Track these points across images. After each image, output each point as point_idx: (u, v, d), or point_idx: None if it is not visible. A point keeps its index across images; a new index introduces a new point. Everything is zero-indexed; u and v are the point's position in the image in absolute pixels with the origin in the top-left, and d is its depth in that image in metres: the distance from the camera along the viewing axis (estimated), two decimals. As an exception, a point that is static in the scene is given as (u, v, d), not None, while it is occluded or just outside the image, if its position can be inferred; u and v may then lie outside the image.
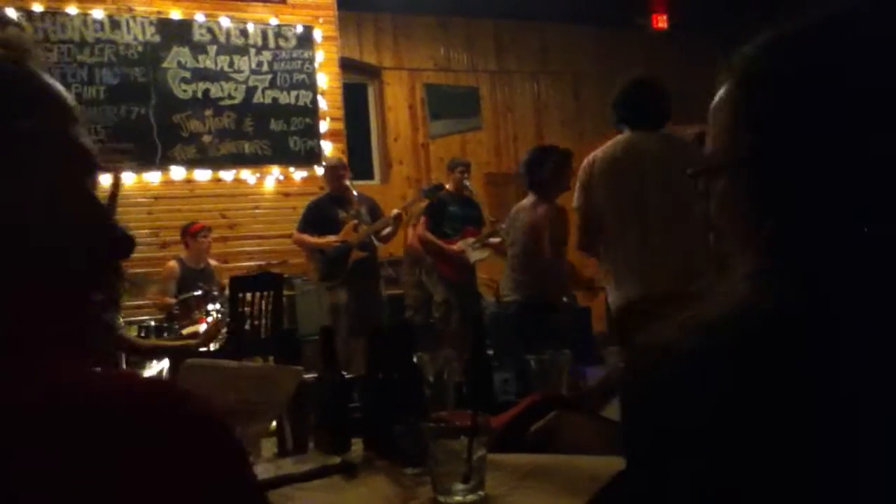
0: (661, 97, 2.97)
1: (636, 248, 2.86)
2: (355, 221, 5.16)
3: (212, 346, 4.50)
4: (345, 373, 1.61)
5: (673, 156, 2.79)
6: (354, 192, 5.31)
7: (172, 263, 5.52)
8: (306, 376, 1.53)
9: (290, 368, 1.37)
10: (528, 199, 4.07)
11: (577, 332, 5.16)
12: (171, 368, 4.09)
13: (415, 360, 1.53)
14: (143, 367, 4.20)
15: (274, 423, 1.48)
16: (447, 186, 5.69)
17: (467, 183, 5.65)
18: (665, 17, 8.09)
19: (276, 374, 1.36)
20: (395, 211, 5.34)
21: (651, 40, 8.23)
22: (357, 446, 1.46)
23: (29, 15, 5.95)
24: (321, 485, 1.25)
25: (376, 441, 1.40)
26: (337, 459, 1.34)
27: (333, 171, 5.37)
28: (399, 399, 1.39)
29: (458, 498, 1.11)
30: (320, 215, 5.24)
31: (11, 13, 5.88)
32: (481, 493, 1.12)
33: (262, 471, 1.30)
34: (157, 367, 4.29)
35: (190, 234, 5.58)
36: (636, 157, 2.89)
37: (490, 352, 2.52)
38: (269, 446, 1.49)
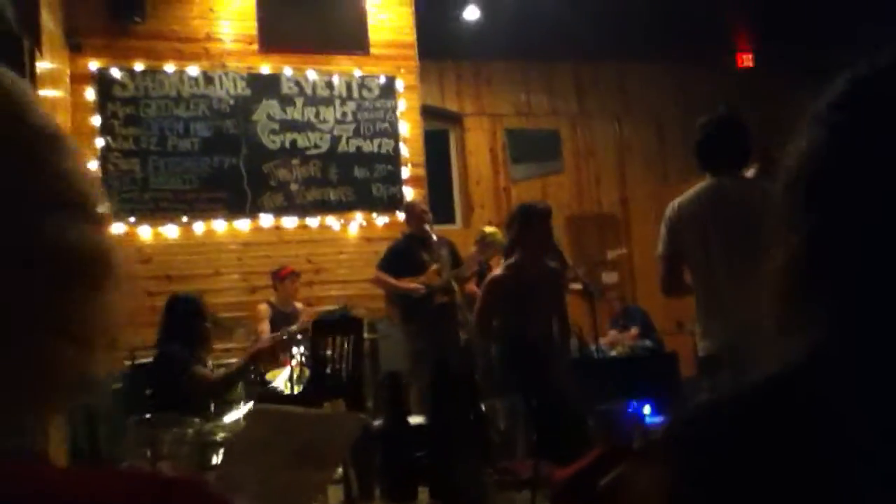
0: (737, 135, 2.89)
1: (720, 296, 2.77)
2: (438, 265, 5.17)
3: (295, 389, 4.59)
4: (415, 418, 1.60)
5: (754, 200, 2.70)
6: (434, 237, 5.33)
7: (263, 306, 5.69)
8: (376, 422, 1.53)
9: (353, 415, 1.38)
10: None
11: (663, 378, 5.01)
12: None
13: (482, 406, 1.51)
14: (226, 412, 4.28)
15: (341, 470, 1.48)
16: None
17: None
18: (750, 56, 7.92)
19: (338, 420, 1.36)
20: (480, 257, 5.34)
21: (734, 79, 8.06)
22: (424, 494, 1.44)
23: (131, 73, 6.34)
24: (383, 534, 1.24)
25: (441, 489, 1.38)
26: (399, 508, 1.33)
27: (416, 212, 5.40)
28: (463, 447, 1.37)
29: (520, 552, 1.08)
30: (403, 257, 5.27)
31: (116, 73, 6.29)
32: (543, 548, 1.08)
33: (326, 518, 1.30)
34: (245, 409, 4.38)
35: (279, 277, 5.76)
36: (717, 202, 2.81)
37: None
38: (336, 493, 1.49)
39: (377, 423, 1.52)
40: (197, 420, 1.28)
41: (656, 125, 8.78)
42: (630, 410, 1.52)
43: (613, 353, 5.60)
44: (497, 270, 4.04)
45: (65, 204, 0.54)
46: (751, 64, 7.99)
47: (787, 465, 0.50)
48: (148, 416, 1.17)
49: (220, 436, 1.85)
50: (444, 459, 1.37)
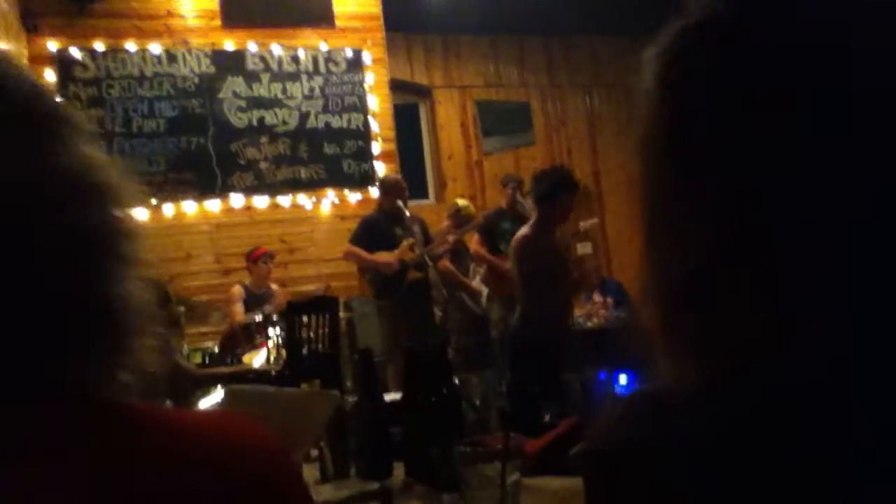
0: None
1: None
2: (412, 241, 5.13)
3: (272, 371, 4.57)
4: (391, 395, 1.60)
5: None
6: (407, 213, 5.28)
7: (237, 288, 5.64)
8: (351, 399, 1.52)
9: (326, 393, 1.37)
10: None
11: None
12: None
13: (455, 381, 1.51)
14: (200, 396, 4.28)
15: (315, 449, 1.48)
16: (501, 203, 5.68)
17: (521, 199, 5.61)
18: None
19: (313, 399, 1.36)
20: (454, 234, 5.32)
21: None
22: (399, 471, 1.44)
23: (91, 53, 6.20)
24: (358, 512, 1.24)
25: (416, 466, 1.38)
26: (374, 485, 1.33)
27: (393, 188, 5.33)
28: (437, 423, 1.37)
29: (494, 524, 1.08)
30: (376, 232, 5.20)
31: (76, 53, 6.15)
32: (517, 519, 1.09)
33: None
34: (216, 397, 4.37)
35: (252, 259, 5.71)
36: None
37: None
38: (311, 471, 1.49)
39: (352, 400, 1.51)
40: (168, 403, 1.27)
41: (627, 97, 8.78)
42: (603, 380, 1.53)
43: (589, 324, 5.64)
44: (525, 230, 3.97)
45: (88, 186, 0.55)
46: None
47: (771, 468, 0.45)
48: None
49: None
50: (419, 436, 1.37)
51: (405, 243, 5.14)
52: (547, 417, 1.54)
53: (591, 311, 6.36)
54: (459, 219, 5.50)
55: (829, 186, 0.46)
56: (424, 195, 7.99)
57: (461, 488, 1.14)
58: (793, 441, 0.45)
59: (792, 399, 0.46)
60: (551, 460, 1.26)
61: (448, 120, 8.23)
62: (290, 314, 4.55)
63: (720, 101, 0.51)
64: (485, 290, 5.44)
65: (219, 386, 4.36)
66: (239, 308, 5.43)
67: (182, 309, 4.90)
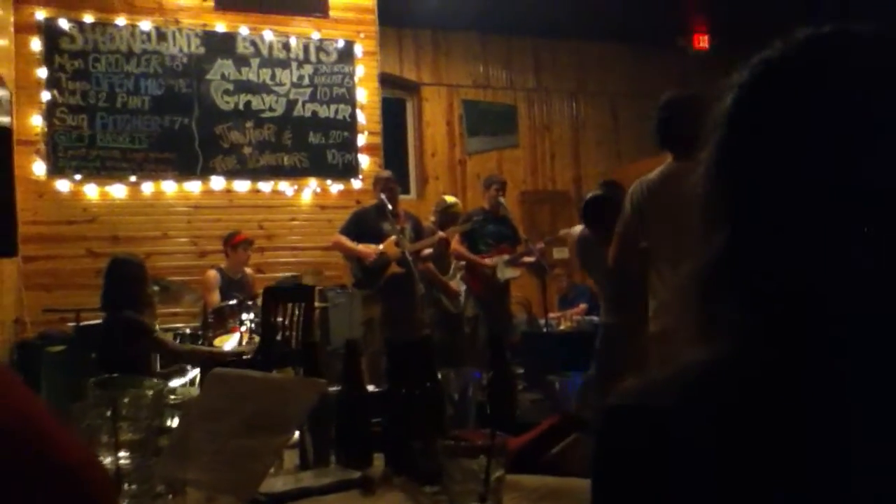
0: (699, 118, 2.92)
1: (666, 281, 2.83)
2: (397, 237, 5.15)
3: (244, 356, 4.56)
4: (371, 387, 1.61)
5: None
6: (399, 209, 5.30)
7: (213, 272, 5.60)
8: (331, 389, 1.53)
9: (311, 381, 1.38)
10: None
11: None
12: (202, 377, 4.14)
13: (438, 376, 1.53)
14: (177, 374, 4.27)
15: (297, 435, 1.49)
16: (482, 204, 5.71)
17: (502, 201, 5.64)
18: (706, 38, 8.03)
19: (297, 385, 1.37)
20: (441, 234, 5.33)
21: (691, 61, 8.17)
22: (379, 461, 1.46)
23: (80, 25, 6.12)
24: (338, 499, 1.25)
25: (396, 457, 1.40)
26: (356, 474, 1.35)
27: (385, 183, 5.31)
28: (420, 416, 1.39)
29: (474, 518, 1.10)
30: (365, 224, 5.23)
31: (64, 24, 6.07)
32: (497, 513, 1.11)
33: (283, 483, 1.31)
34: (190, 375, 4.35)
35: (231, 244, 5.66)
36: (675, 190, 2.82)
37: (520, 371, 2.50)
38: (291, 458, 1.50)
39: (333, 389, 1.52)
40: (155, 381, 1.28)
41: (611, 104, 8.86)
42: (579, 383, 1.56)
43: (562, 327, 5.70)
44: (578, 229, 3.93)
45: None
46: (706, 46, 8.10)
47: (774, 450, 0.51)
48: (109, 376, 1.15)
49: (172, 398, 1.84)
50: (401, 428, 1.39)
51: (390, 239, 5.16)
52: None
53: (564, 315, 6.43)
54: (446, 216, 5.51)
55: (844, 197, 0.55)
56: (406, 191, 8.00)
57: (443, 481, 1.16)
58: (802, 406, 0.52)
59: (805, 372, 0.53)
60: (531, 458, 1.29)
61: (434, 117, 8.25)
62: (267, 301, 4.54)
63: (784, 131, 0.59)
64: (463, 289, 5.47)
65: (189, 367, 4.36)
66: (215, 296, 5.40)
67: (156, 288, 4.87)
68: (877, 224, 0.53)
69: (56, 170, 6.04)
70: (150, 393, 1.10)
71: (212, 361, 3.80)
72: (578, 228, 3.95)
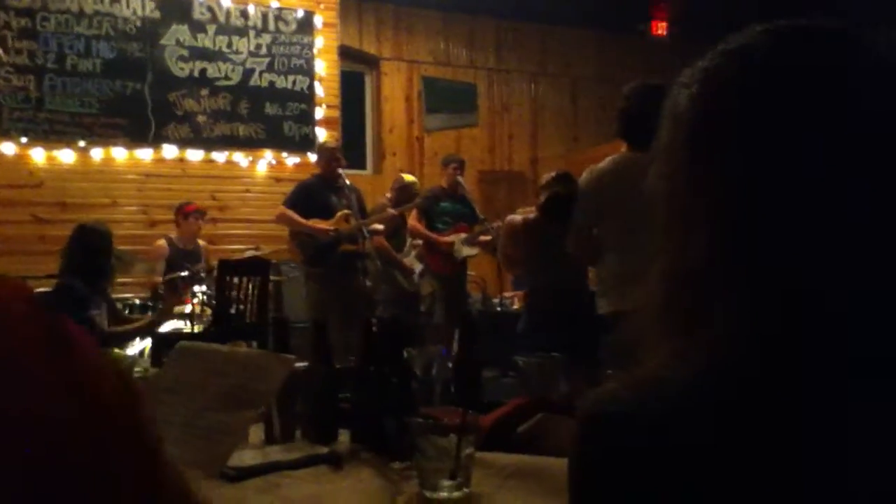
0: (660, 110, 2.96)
1: (627, 265, 2.89)
2: (348, 212, 5.08)
3: (195, 328, 4.50)
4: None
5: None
6: (347, 181, 5.22)
7: (162, 242, 5.49)
8: (297, 365, 1.53)
9: (281, 356, 1.38)
10: None
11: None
12: (154, 348, 4.07)
13: (405, 354, 1.54)
14: (124, 346, 4.17)
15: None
16: (440, 182, 5.70)
17: (461, 180, 5.65)
18: (665, 25, 8.11)
19: (267, 361, 1.36)
20: (393, 212, 5.29)
21: (650, 48, 8.26)
22: (343, 437, 1.46)
23: (28, -18, 5.90)
24: (308, 474, 1.26)
25: (364, 434, 1.41)
26: (324, 449, 1.35)
27: (330, 154, 5.23)
28: (389, 393, 1.40)
29: (444, 494, 1.12)
30: (311, 197, 5.11)
31: (11, -21, 5.83)
32: (467, 490, 1.13)
33: (250, 457, 1.30)
34: (139, 347, 4.27)
35: (183, 213, 5.55)
36: (629, 181, 2.86)
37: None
38: (256, 432, 1.50)
39: (300, 365, 1.52)
40: (116, 351, 1.26)
41: (571, 88, 8.92)
42: (550, 362, 1.59)
43: (515, 307, 5.75)
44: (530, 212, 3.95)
45: None
46: (664, 33, 8.19)
47: (766, 459, 0.51)
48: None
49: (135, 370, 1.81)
50: (370, 405, 1.40)
51: (340, 214, 5.09)
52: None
53: (517, 295, 6.49)
54: (403, 194, 5.48)
55: (823, 184, 0.55)
56: (363, 166, 7.94)
57: (414, 458, 1.18)
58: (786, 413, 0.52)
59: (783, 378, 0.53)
60: (499, 437, 1.31)
61: (393, 92, 8.18)
62: (222, 273, 4.48)
63: (745, 115, 0.58)
64: (418, 267, 5.47)
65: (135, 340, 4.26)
66: (161, 266, 5.30)
67: (114, 262, 4.75)
68: (872, 217, 0.54)
69: (1, 132, 5.83)
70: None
71: (147, 334, 3.76)
72: (520, 217, 3.99)
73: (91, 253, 3.80)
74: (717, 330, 0.56)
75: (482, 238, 5.49)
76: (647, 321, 0.61)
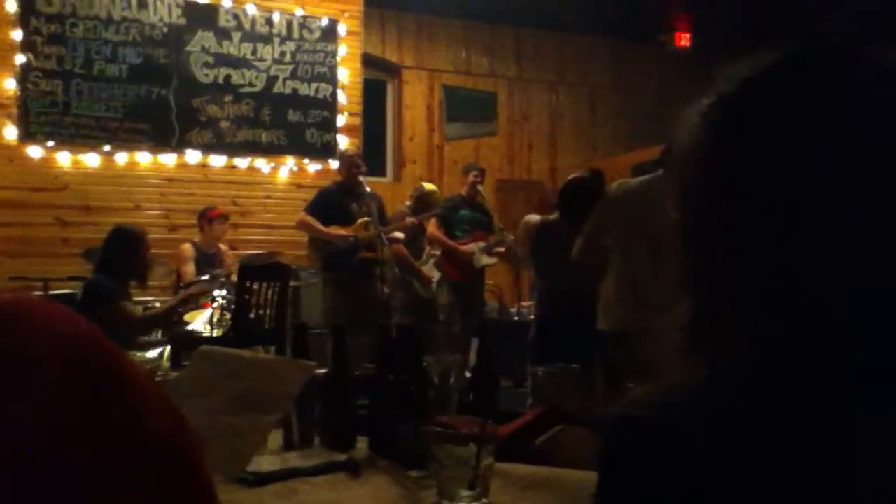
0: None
1: (633, 277, 2.87)
2: (368, 219, 5.08)
3: (214, 333, 4.52)
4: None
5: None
6: (367, 189, 5.24)
7: (187, 246, 5.53)
8: (316, 371, 1.54)
9: (302, 363, 1.39)
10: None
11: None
12: (173, 352, 4.09)
13: (423, 363, 1.54)
14: (146, 348, 4.20)
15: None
16: (460, 190, 5.72)
17: (480, 188, 5.66)
18: (688, 36, 8.08)
19: (287, 367, 1.37)
20: (413, 220, 5.29)
21: (670, 59, 8.23)
22: (362, 444, 1.47)
23: (58, -11, 5.99)
24: (325, 481, 1.26)
25: (381, 441, 1.41)
26: (342, 456, 1.36)
27: (350, 161, 5.23)
28: (406, 401, 1.40)
29: (463, 504, 1.12)
30: (332, 204, 5.11)
31: (41, -14, 5.93)
32: (485, 500, 1.13)
33: (269, 462, 1.31)
34: (158, 350, 4.29)
35: (207, 218, 5.60)
36: (655, 204, 2.83)
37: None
38: (275, 438, 1.51)
39: (319, 371, 1.53)
40: (137, 353, 1.27)
41: (590, 97, 8.91)
42: (567, 373, 1.59)
43: (532, 316, 5.73)
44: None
45: None
46: (687, 44, 8.15)
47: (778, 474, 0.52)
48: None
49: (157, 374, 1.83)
50: (387, 412, 1.41)
51: (360, 221, 5.10)
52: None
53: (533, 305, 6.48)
54: (423, 203, 5.49)
55: (833, 201, 0.56)
56: (383, 173, 7.98)
57: (431, 466, 1.18)
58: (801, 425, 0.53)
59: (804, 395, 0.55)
60: (516, 447, 1.31)
61: (414, 101, 8.22)
62: (243, 278, 4.50)
63: (756, 141, 0.60)
64: (436, 276, 5.48)
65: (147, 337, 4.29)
66: (191, 268, 5.34)
67: (147, 265, 4.80)
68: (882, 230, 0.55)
69: (28, 135, 5.92)
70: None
71: (181, 339, 3.78)
72: (537, 217, 3.99)
73: (118, 251, 3.89)
74: (729, 340, 0.59)
75: (499, 248, 5.50)
76: (668, 340, 0.63)
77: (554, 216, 3.86)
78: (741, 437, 0.54)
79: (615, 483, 0.59)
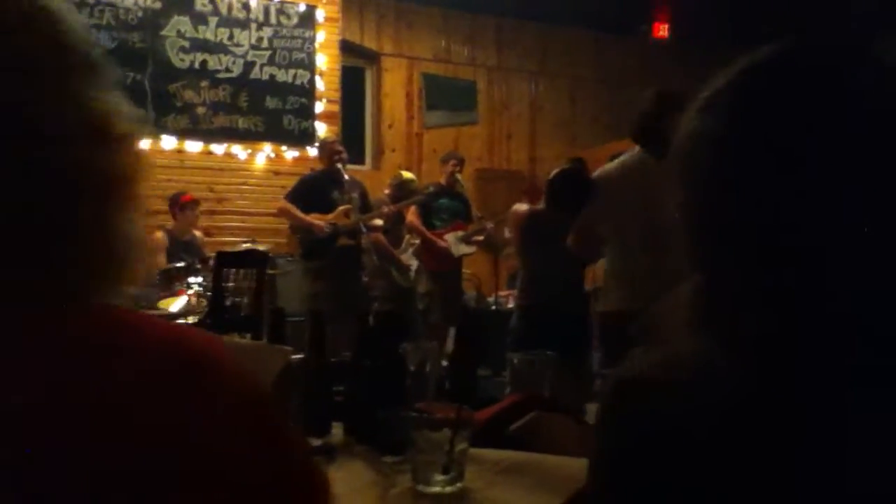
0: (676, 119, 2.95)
1: (631, 261, 2.90)
2: (348, 207, 5.09)
3: (190, 319, 4.49)
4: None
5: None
6: (346, 176, 5.23)
7: (160, 234, 5.47)
8: (293, 357, 1.54)
9: (278, 348, 1.38)
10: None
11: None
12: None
13: (399, 349, 1.55)
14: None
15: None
16: (439, 179, 5.71)
17: (459, 177, 5.66)
18: (667, 27, 8.11)
19: (264, 352, 1.37)
20: (392, 208, 5.30)
21: (650, 49, 8.27)
22: (337, 430, 1.47)
23: (30, -30, 5.87)
24: (301, 465, 1.26)
25: (357, 427, 1.41)
26: (317, 442, 1.36)
27: (331, 149, 5.24)
28: (383, 387, 1.41)
29: (437, 488, 1.13)
30: (313, 191, 5.12)
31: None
32: (460, 484, 1.14)
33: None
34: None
35: (179, 204, 5.54)
36: (640, 183, 2.85)
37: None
38: (249, 423, 1.50)
39: (295, 357, 1.53)
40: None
41: (570, 88, 8.92)
42: (543, 360, 1.60)
43: (510, 306, 5.76)
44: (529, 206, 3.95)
45: (88, 130, 0.57)
46: (666, 35, 8.18)
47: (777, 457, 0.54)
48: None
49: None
50: (364, 398, 1.41)
51: (340, 209, 5.10)
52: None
53: (513, 294, 6.50)
54: (402, 191, 5.49)
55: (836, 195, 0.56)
56: (361, 161, 7.94)
57: (408, 451, 1.19)
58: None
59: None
60: (492, 434, 1.32)
61: (393, 88, 8.18)
62: (219, 265, 4.47)
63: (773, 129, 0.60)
64: (414, 264, 5.48)
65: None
66: (162, 258, 5.28)
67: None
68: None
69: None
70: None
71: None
72: (525, 207, 4.00)
73: None
74: (727, 327, 0.60)
75: (475, 238, 5.51)
76: (669, 315, 0.65)
77: (541, 206, 3.87)
78: (739, 421, 0.55)
79: (614, 440, 0.61)
